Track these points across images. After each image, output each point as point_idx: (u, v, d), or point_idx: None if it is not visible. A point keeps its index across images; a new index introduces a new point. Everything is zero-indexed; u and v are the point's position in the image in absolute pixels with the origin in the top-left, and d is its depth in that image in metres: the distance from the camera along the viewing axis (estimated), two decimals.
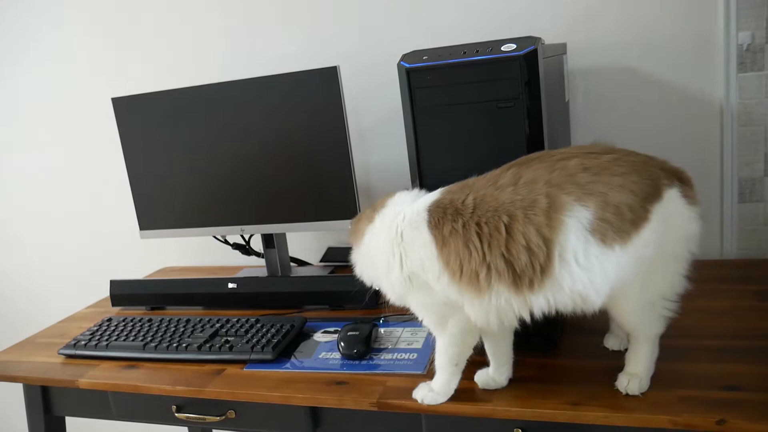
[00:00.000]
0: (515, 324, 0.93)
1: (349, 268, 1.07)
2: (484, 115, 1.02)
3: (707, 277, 1.32)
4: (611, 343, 1.08)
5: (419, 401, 1.00)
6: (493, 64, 0.99)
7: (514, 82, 0.98)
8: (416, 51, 1.08)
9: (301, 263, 1.73)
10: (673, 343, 1.05)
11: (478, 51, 1.01)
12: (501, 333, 0.98)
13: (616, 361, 1.02)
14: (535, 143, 1.01)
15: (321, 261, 1.73)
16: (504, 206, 0.87)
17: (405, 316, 1.24)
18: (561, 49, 1.30)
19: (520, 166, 0.91)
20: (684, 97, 1.40)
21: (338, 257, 1.67)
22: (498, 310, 0.90)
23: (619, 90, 1.45)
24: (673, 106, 1.41)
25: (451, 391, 0.99)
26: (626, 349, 0.98)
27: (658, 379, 0.96)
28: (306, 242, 1.79)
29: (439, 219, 0.91)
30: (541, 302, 0.88)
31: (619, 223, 0.84)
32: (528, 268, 0.85)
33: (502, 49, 1.00)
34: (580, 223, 0.84)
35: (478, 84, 1.01)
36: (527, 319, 0.91)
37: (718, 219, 1.42)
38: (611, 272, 0.85)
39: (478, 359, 1.01)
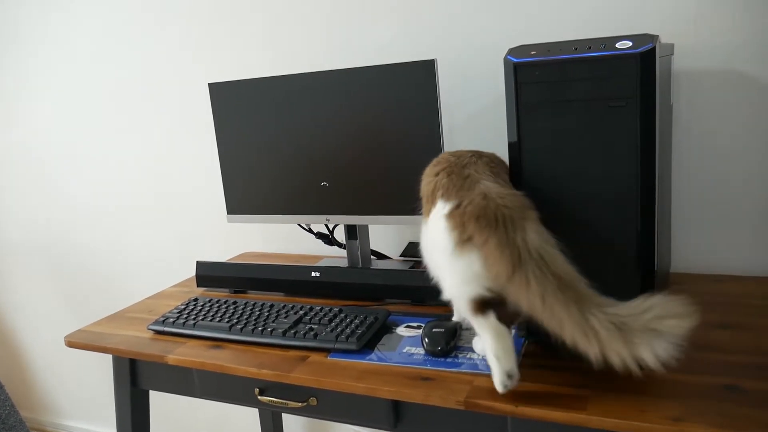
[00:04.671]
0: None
1: None
2: (592, 114, 0.99)
3: None
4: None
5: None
6: (608, 62, 0.95)
7: (629, 81, 0.94)
8: (523, 46, 1.05)
9: (380, 256, 1.73)
10: None
11: (590, 47, 0.98)
12: None
13: (724, 377, 0.98)
14: (645, 145, 0.97)
15: (401, 256, 1.72)
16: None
17: None
18: (669, 50, 1.25)
19: None
20: None
21: (419, 253, 1.65)
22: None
23: (726, 95, 1.37)
24: None
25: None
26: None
27: None
28: (386, 236, 1.79)
29: None
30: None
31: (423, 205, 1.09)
32: None
33: (617, 46, 0.96)
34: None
35: (589, 81, 0.97)
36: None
37: None
38: (424, 238, 1.09)
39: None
